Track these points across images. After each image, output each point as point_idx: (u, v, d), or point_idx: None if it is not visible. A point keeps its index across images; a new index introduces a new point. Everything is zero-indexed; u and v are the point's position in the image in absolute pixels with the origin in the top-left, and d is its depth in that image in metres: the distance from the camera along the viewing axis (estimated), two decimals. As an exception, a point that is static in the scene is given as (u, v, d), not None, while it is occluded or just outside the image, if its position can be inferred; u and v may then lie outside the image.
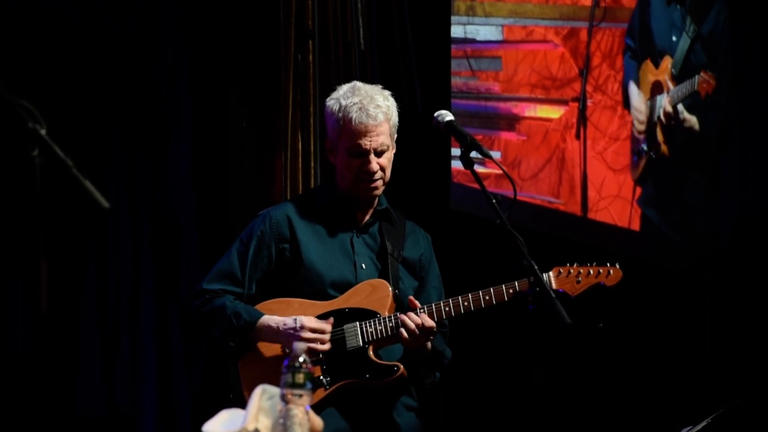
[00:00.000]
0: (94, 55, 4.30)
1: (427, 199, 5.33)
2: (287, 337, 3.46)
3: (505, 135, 5.87)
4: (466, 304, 3.54)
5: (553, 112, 6.06)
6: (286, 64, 4.82)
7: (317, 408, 3.33)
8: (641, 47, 6.53)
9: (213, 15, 4.70)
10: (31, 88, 4.02)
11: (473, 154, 3.36)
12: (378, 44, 5.23)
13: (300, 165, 4.83)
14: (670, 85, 6.63)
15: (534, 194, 5.92)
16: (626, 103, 6.43)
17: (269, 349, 3.53)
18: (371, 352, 3.53)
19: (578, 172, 6.12)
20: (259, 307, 3.58)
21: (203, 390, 4.48)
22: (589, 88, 6.19)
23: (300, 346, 2.39)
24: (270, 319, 3.50)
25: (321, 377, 3.48)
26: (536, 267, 3.21)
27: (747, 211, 6.83)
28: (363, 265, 3.63)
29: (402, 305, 3.58)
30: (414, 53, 5.36)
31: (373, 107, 3.54)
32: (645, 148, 6.50)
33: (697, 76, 6.72)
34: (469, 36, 5.70)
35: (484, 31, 5.78)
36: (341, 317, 3.55)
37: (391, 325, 3.52)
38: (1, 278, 3.98)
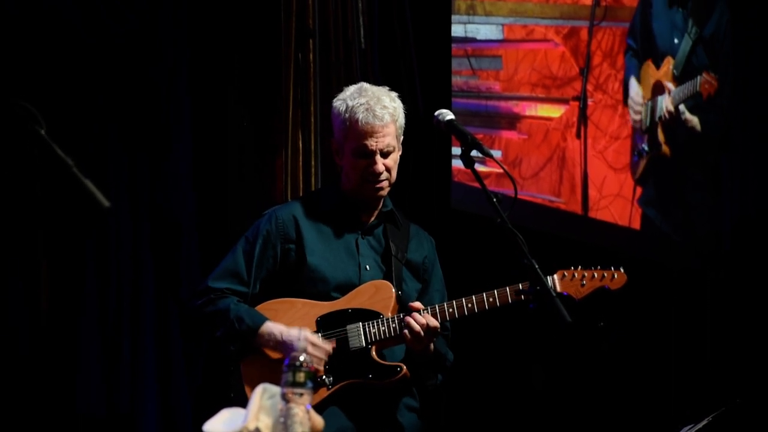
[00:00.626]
0: (94, 55, 4.29)
1: (427, 198, 5.33)
2: (288, 346, 3.45)
3: (506, 134, 5.87)
4: (470, 306, 3.53)
5: (554, 111, 6.05)
6: (286, 64, 4.81)
7: (320, 407, 3.34)
8: (643, 48, 6.54)
9: (213, 15, 4.70)
10: (31, 88, 4.02)
11: (474, 153, 3.36)
12: (379, 43, 5.23)
13: (300, 164, 4.83)
14: (671, 86, 6.63)
15: (535, 193, 5.92)
16: (626, 98, 6.43)
17: (271, 352, 3.53)
18: (374, 353, 3.52)
19: (579, 171, 6.12)
20: (263, 306, 3.58)
21: (204, 390, 4.47)
22: (589, 87, 6.19)
23: (301, 345, 2.39)
24: (273, 327, 3.50)
25: (324, 377, 3.48)
26: (537, 266, 3.21)
27: (747, 212, 6.84)
28: (367, 267, 3.63)
29: (405, 307, 3.57)
30: (414, 52, 5.36)
31: (379, 108, 3.54)
32: (646, 148, 6.50)
33: (699, 77, 6.73)
34: (470, 35, 5.70)
35: (485, 30, 5.78)
36: (344, 317, 3.55)
37: (394, 326, 3.52)
38: (1, 278, 3.98)
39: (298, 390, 2.34)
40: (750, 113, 6.95)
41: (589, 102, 6.19)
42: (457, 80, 5.63)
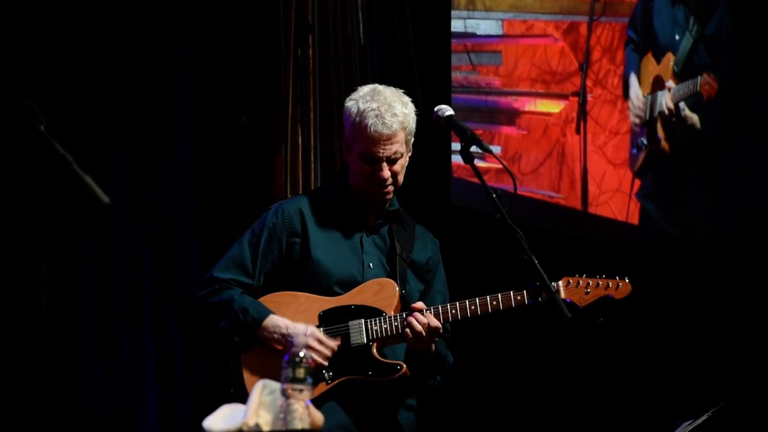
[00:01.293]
0: (94, 55, 4.29)
1: (427, 194, 5.32)
2: (293, 340, 3.44)
3: (506, 129, 5.86)
4: (473, 308, 3.53)
5: (554, 107, 6.05)
6: (285, 60, 4.81)
7: (318, 402, 3.34)
8: (643, 40, 6.53)
9: (212, 14, 4.70)
10: (32, 88, 4.02)
11: (473, 148, 3.36)
12: (378, 39, 5.22)
13: (300, 161, 4.82)
14: (672, 83, 6.63)
15: (534, 189, 5.92)
16: (626, 93, 6.43)
17: (273, 347, 3.52)
18: (375, 350, 3.52)
19: (578, 167, 6.11)
20: (266, 299, 3.58)
21: (204, 390, 4.47)
22: (589, 83, 6.19)
23: (301, 341, 2.39)
24: (279, 320, 3.50)
25: (324, 372, 3.48)
26: (536, 261, 3.21)
27: (747, 212, 6.84)
28: (371, 265, 3.63)
29: (408, 306, 3.57)
30: (414, 48, 5.35)
31: (389, 116, 3.53)
32: (645, 141, 6.50)
33: (699, 78, 6.73)
34: (470, 30, 5.69)
35: (485, 26, 5.77)
36: (347, 313, 3.55)
37: (396, 324, 3.52)
38: (1, 278, 3.98)
39: (298, 386, 2.34)
40: (750, 113, 6.95)
41: (589, 97, 6.19)
42: (456, 76, 5.62)
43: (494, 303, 3.52)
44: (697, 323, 6.59)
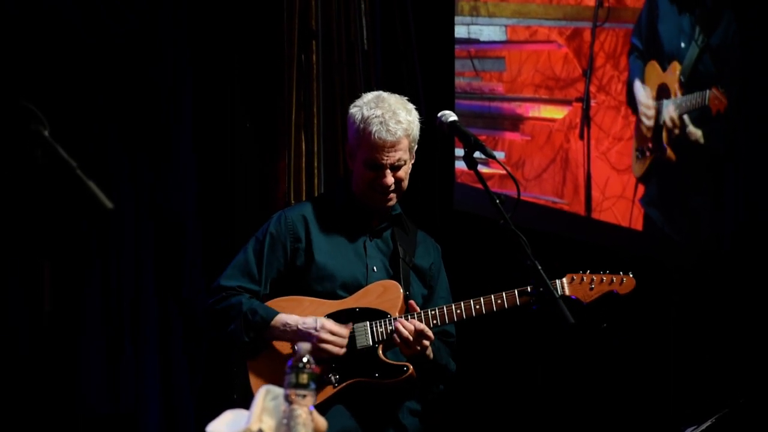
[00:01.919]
0: (94, 55, 4.29)
1: (430, 200, 5.33)
2: (305, 336, 3.45)
3: (509, 135, 5.86)
4: (477, 307, 3.53)
5: (557, 113, 6.05)
6: (289, 65, 4.80)
7: (325, 405, 3.35)
8: (648, 48, 6.53)
9: (214, 15, 4.69)
10: (32, 88, 4.02)
11: (477, 154, 3.36)
12: (382, 45, 5.22)
13: (303, 166, 4.82)
14: (678, 92, 6.63)
15: (538, 194, 5.92)
16: (630, 101, 6.42)
17: (280, 350, 3.52)
18: (381, 352, 3.52)
19: (582, 173, 6.11)
20: (271, 303, 3.58)
21: (206, 390, 4.47)
22: (592, 89, 6.19)
23: (304, 346, 2.38)
24: (288, 317, 3.51)
25: (330, 375, 3.48)
26: (540, 267, 3.20)
27: (750, 224, 6.85)
28: (374, 268, 3.64)
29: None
30: (417, 54, 5.35)
31: (393, 123, 3.53)
32: (650, 147, 6.50)
33: (708, 92, 6.74)
34: (473, 36, 5.69)
35: (488, 32, 5.77)
36: (352, 316, 3.55)
37: None
38: (2, 278, 3.97)
39: (302, 391, 2.33)
40: (755, 125, 6.96)
41: (592, 103, 6.19)
42: (460, 81, 5.62)
43: (498, 302, 3.53)
44: (698, 326, 6.60)
